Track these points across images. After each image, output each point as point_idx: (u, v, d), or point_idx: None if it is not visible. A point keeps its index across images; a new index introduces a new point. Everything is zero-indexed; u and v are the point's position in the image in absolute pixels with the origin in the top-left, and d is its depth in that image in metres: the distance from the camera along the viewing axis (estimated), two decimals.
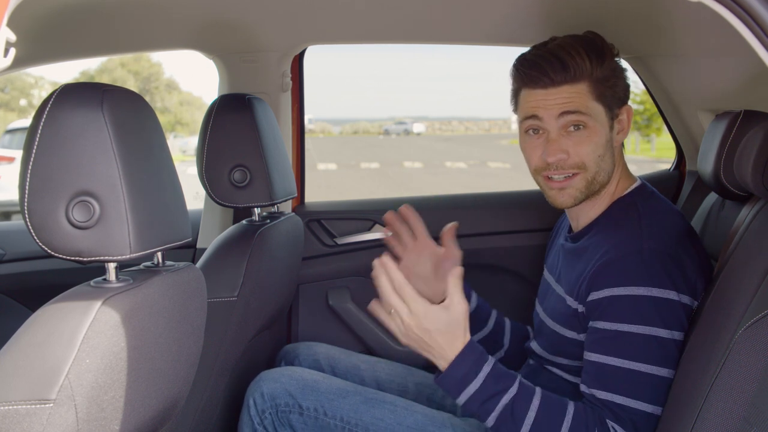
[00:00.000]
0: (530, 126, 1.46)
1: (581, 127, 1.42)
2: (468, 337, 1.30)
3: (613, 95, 1.44)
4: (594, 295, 1.36)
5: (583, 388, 1.35)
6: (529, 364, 1.63)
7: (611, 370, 1.31)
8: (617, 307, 1.32)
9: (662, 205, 1.47)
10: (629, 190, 1.49)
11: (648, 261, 1.33)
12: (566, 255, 1.53)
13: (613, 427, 1.28)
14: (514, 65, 1.48)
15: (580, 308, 1.40)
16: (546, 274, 1.65)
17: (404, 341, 1.31)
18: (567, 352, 1.47)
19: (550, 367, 1.53)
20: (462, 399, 1.30)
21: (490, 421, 1.29)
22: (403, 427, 1.50)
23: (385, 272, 1.28)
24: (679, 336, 1.31)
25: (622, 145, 1.52)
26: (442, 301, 1.29)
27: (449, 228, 1.58)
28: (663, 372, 1.29)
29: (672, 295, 1.31)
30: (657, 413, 1.29)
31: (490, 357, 1.32)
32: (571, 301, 1.44)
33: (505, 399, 1.28)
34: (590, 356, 1.35)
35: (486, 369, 1.30)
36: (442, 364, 1.30)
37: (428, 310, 1.27)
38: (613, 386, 1.30)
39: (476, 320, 1.68)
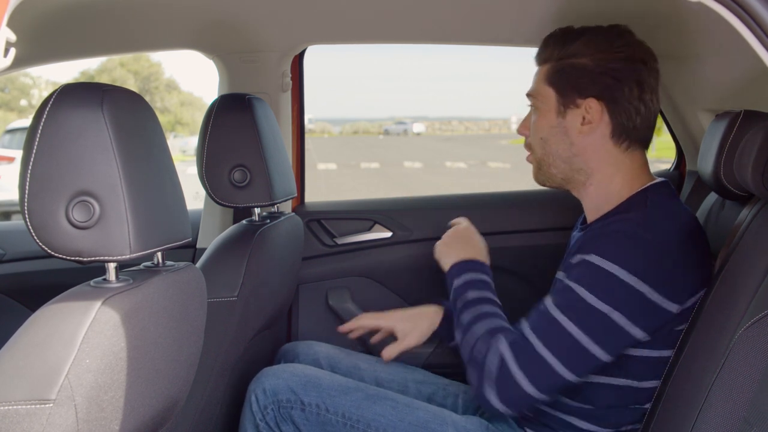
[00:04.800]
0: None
1: (535, 109, 1.52)
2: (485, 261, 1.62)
3: (568, 81, 1.45)
4: (575, 258, 1.40)
5: (522, 322, 1.41)
6: None
7: (552, 321, 1.35)
8: (586, 271, 1.35)
9: (673, 202, 1.46)
10: (646, 185, 1.48)
11: (636, 248, 1.34)
12: (575, 244, 1.54)
13: (504, 354, 1.36)
14: None
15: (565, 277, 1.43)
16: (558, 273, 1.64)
17: (440, 246, 1.66)
18: None
19: None
20: (456, 283, 1.56)
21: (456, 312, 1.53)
22: (404, 424, 1.50)
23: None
24: (637, 332, 1.33)
25: (625, 143, 1.47)
26: None
27: None
28: (595, 349, 1.33)
29: (644, 288, 1.32)
30: (566, 377, 1.34)
31: (487, 276, 1.57)
32: (561, 275, 1.45)
33: (467, 297, 1.52)
34: (545, 300, 1.40)
35: (476, 275, 1.55)
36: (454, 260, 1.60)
37: (473, 233, 1.69)
38: (544, 334, 1.35)
39: None
